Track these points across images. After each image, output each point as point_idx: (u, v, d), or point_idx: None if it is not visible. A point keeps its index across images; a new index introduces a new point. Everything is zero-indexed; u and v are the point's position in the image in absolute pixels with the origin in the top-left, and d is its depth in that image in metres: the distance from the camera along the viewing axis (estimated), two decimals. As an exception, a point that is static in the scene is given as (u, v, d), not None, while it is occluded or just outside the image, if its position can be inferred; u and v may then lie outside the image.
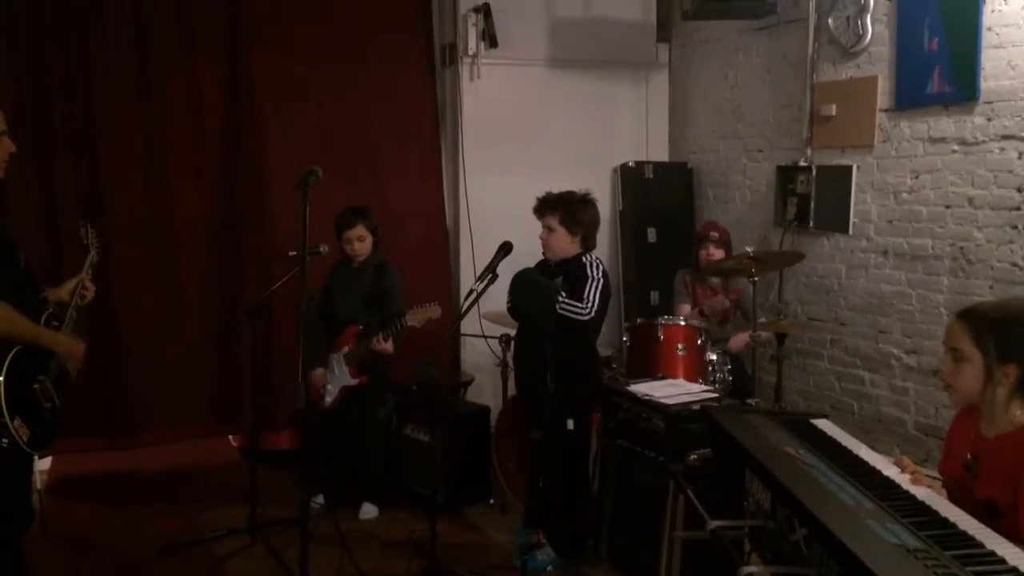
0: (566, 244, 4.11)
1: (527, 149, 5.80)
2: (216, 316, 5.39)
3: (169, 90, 5.22)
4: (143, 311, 5.22)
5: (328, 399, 4.70)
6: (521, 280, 4.07)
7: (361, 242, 4.68)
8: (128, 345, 5.21)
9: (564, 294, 3.94)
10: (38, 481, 4.78)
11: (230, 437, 5.70)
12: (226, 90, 5.34)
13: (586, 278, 4.02)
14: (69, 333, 3.48)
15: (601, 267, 4.11)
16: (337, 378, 4.70)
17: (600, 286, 4.03)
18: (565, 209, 4.09)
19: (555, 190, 4.22)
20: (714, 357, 4.56)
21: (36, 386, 3.30)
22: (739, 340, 4.79)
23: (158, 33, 5.17)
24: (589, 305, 3.95)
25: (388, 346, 4.52)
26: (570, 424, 4.03)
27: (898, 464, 2.33)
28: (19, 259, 3.30)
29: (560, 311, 3.91)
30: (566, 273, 4.09)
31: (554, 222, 4.09)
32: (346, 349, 4.67)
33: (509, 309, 4.28)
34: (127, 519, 4.67)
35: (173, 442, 5.37)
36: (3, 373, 3.10)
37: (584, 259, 4.11)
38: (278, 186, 5.22)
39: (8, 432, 3.10)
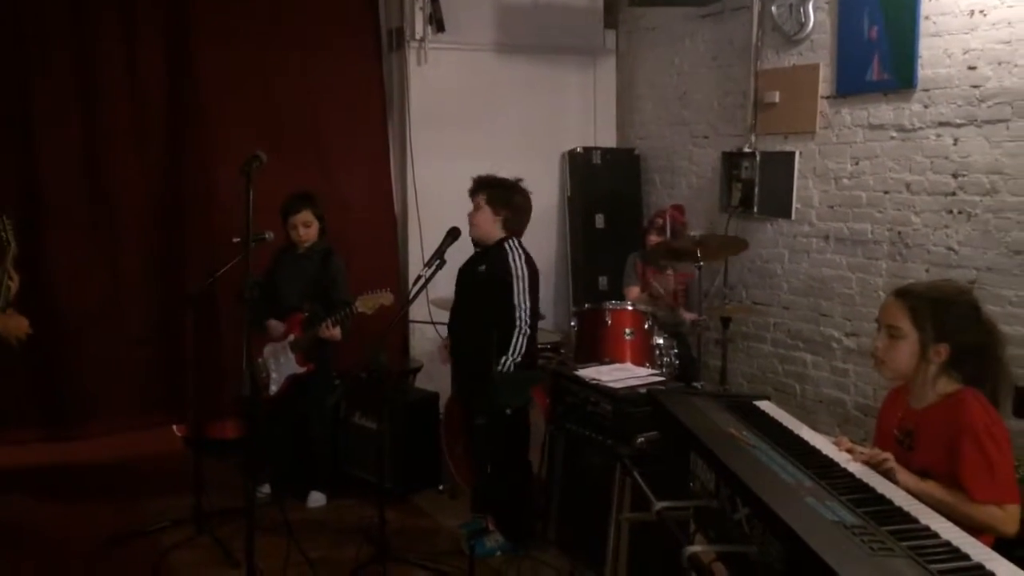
0: (489, 225, 4.15)
1: (475, 134, 5.78)
2: (159, 304, 5.29)
3: (109, 74, 5.09)
4: (83, 299, 5.11)
5: (274, 388, 4.64)
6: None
7: (307, 228, 4.63)
8: (67, 334, 5.09)
9: (505, 357, 3.99)
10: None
11: (174, 427, 5.61)
12: (168, 74, 5.23)
13: (510, 274, 4.05)
14: (6, 313, 3.43)
15: (521, 256, 4.14)
16: (282, 367, 4.63)
17: (526, 282, 4.08)
18: (493, 190, 4.15)
19: (503, 176, 4.23)
20: (661, 341, 4.61)
21: None
22: (689, 316, 4.87)
23: (97, 15, 5.04)
24: (521, 313, 4.02)
25: (336, 332, 4.49)
26: (507, 409, 4.06)
27: (837, 444, 2.39)
28: None
29: (519, 355, 4.01)
30: (487, 262, 4.12)
31: (481, 200, 4.16)
32: (292, 337, 4.62)
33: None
34: (69, 512, 4.58)
35: (115, 433, 5.27)
36: None
37: (506, 246, 4.14)
38: (222, 172, 5.13)
39: None
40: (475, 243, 4.24)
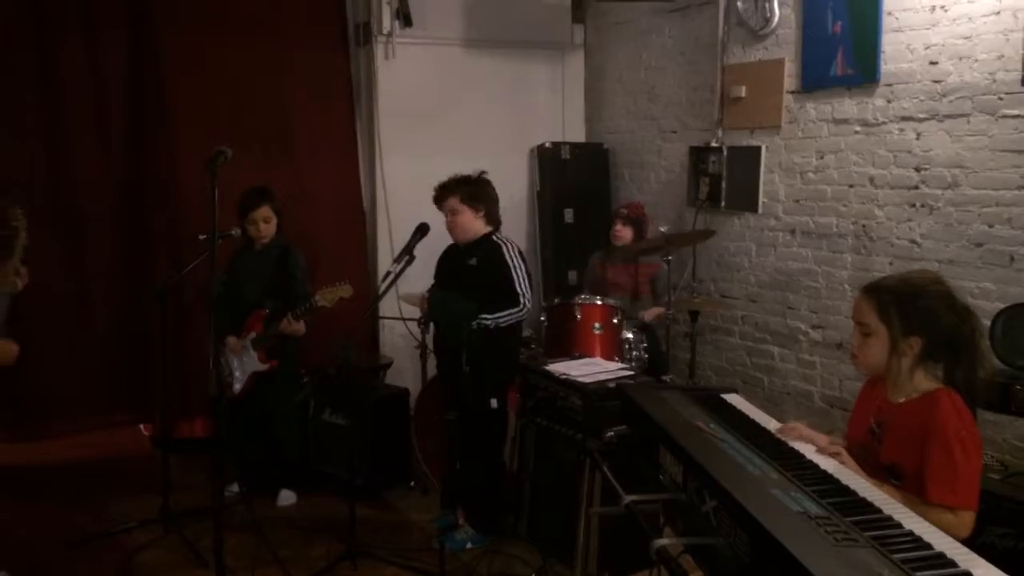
0: (472, 223, 4.11)
1: (444, 130, 5.77)
2: (124, 301, 5.23)
3: (71, 68, 5.02)
4: (46, 296, 5.01)
5: (237, 386, 4.60)
6: (439, 306, 4.06)
7: (266, 223, 4.59)
8: (31, 332, 4.98)
9: (486, 315, 3.95)
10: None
11: (141, 426, 5.55)
12: (131, 66, 5.17)
13: (507, 266, 4.04)
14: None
15: (516, 249, 4.13)
16: (245, 364, 4.60)
17: (524, 272, 4.08)
18: (464, 188, 4.09)
19: (469, 171, 4.21)
20: (630, 335, 4.64)
21: None
22: (652, 312, 4.89)
23: (59, 5, 4.95)
24: (523, 299, 4.01)
25: (299, 326, 4.45)
26: (494, 403, 4.06)
27: (780, 431, 2.41)
28: None
29: (497, 324, 3.96)
30: (480, 255, 4.09)
31: (456, 203, 4.07)
32: (253, 334, 4.57)
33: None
34: (34, 513, 4.52)
35: (81, 432, 5.22)
36: None
37: (496, 240, 4.12)
38: (187, 166, 5.09)
39: None
40: (461, 243, 4.16)
